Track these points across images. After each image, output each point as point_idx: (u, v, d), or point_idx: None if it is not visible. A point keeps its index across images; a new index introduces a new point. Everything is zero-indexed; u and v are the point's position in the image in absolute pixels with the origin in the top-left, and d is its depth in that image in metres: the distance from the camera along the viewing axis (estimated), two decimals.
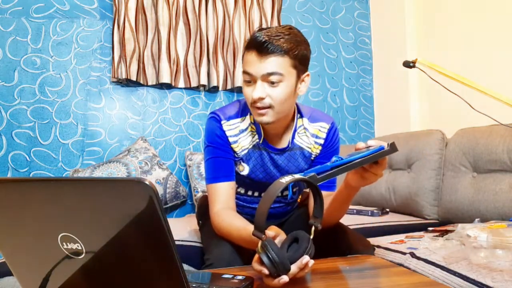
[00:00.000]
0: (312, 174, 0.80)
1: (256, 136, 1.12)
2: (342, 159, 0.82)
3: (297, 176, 0.77)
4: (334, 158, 0.82)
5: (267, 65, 0.97)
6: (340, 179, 0.91)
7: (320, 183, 1.14)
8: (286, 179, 0.75)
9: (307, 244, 0.76)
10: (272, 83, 0.98)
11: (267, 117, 1.02)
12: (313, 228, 0.81)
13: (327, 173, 0.81)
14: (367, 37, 2.78)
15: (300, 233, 0.79)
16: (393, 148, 0.81)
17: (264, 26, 2.39)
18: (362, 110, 2.75)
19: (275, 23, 2.46)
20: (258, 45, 0.97)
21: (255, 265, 0.75)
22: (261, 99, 0.99)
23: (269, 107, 1.00)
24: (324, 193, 1.13)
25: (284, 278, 0.71)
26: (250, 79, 1.01)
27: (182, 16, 2.30)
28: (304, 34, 1.06)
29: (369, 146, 0.85)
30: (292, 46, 0.98)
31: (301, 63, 1.02)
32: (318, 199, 0.82)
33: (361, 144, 0.86)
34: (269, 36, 0.97)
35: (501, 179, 1.56)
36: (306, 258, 0.74)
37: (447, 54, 2.19)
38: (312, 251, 0.76)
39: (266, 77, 0.98)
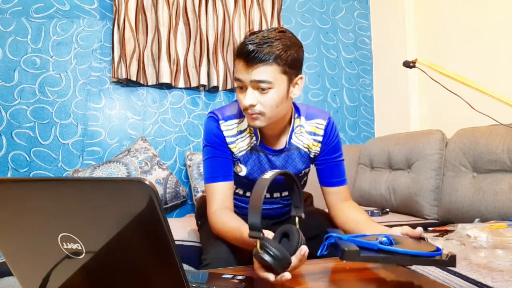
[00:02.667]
0: (356, 249, 0.73)
1: (254, 138, 1.12)
2: (390, 241, 0.74)
3: (277, 170, 0.78)
4: (382, 238, 0.75)
5: (255, 74, 0.97)
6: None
7: (331, 181, 1.15)
8: (270, 174, 0.75)
9: (298, 235, 0.77)
10: (262, 89, 0.98)
11: (258, 122, 1.03)
12: (297, 219, 0.84)
13: (372, 255, 0.73)
14: (367, 37, 2.78)
15: (288, 227, 0.81)
16: (450, 262, 0.72)
17: (264, 26, 2.42)
18: (362, 110, 2.75)
19: (275, 23, 2.46)
20: (245, 54, 0.97)
21: (260, 272, 0.73)
22: (252, 106, 1.00)
23: (259, 113, 1.01)
24: (335, 189, 1.15)
25: (286, 276, 0.71)
26: (242, 85, 1.01)
27: (182, 16, 2.29)
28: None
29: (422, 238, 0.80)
30: (280, 53, 0.97)
31: (291, 68, 1.00)
32: (296, 189, 0.84)
33: (419, 230, 0.82)
34: (256, 44, 0.96)
35: (501, 179, 1.56)
36: (304, 249, 0.75)
37: (447, 54, 2.19)
38: (304, 241, 0.78)
39: (255, 85, 0.98)
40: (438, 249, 0.73)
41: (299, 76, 1.05)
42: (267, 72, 0.97)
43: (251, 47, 0.96)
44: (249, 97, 0.99)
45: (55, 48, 2.20)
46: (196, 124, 2.40)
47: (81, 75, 2.23)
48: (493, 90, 1.16)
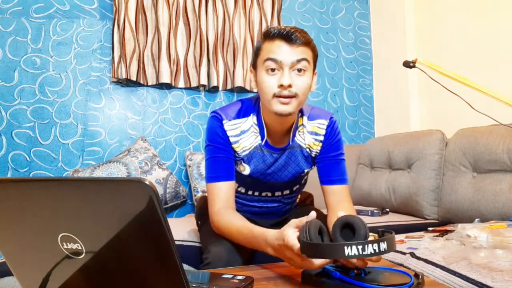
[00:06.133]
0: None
1: (259, 137, 1.12)
2: (360, 272, 0.74)
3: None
4: (355, 270, 0.74)
5: (298, 52, 0.99)
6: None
7: (330, 178, 1.13)
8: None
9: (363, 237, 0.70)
10: (299, 70, 1.00)
11: (289, 107, 1.01)
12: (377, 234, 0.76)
13: (329, 282, 0.74)
14: (367, 37, 2.78)
15: (356, 220, 0.73)
16: None
17: (264, 26, 2.42)
18: (362, 110, 2.75)
19: (275, 23, 2.46)
20: (286, 35, 0.99)
21: (291, 238, 0.74)
22: (290, 86, 0.99)
23: (294, 96, 1.01)
24: (334, 187, 1.13)
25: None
26: (275, 67, 1.00)
27: (182, 16, 2.29)
28: None
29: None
30: (311, 39, 1.03)
31: (315, 59, 1.06)
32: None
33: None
34: (291, 28, 1.00)
35: (501, 179, 1.56)
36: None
37: (447, 54, 2.19)
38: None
39: (294, 64, 0.99)
40: (410, 283, 0.70)
41: (315, 70, 1.08)
42: (306, 53, 1.01)
43: (289, 29, 0.99)
44: (287, 77, 0.99)
45: (55, 48, 2.20)
46: (196, 124, 2.40)
47: (81, 75, 2.23)
48: (493, 90, 1.16)
